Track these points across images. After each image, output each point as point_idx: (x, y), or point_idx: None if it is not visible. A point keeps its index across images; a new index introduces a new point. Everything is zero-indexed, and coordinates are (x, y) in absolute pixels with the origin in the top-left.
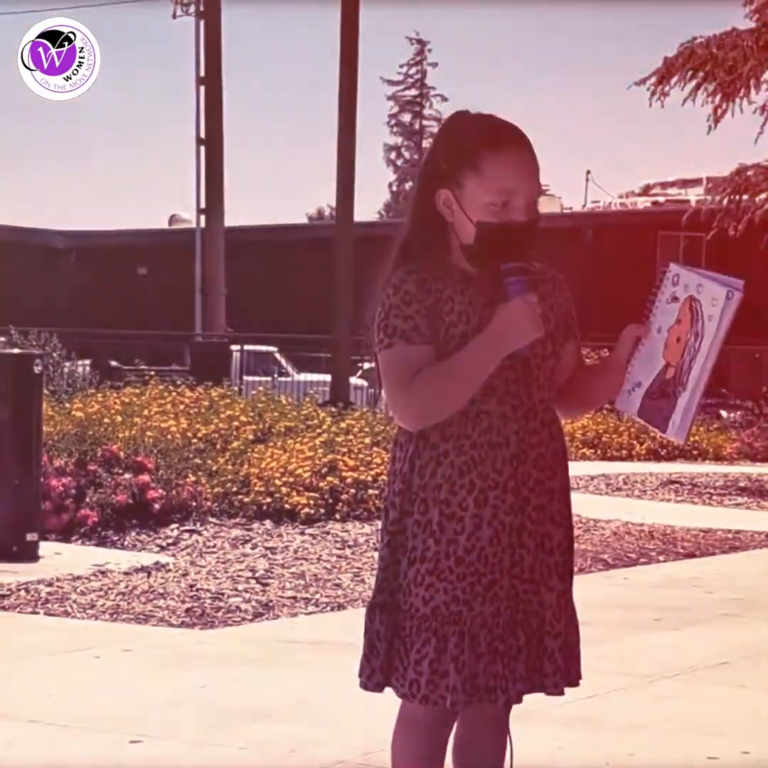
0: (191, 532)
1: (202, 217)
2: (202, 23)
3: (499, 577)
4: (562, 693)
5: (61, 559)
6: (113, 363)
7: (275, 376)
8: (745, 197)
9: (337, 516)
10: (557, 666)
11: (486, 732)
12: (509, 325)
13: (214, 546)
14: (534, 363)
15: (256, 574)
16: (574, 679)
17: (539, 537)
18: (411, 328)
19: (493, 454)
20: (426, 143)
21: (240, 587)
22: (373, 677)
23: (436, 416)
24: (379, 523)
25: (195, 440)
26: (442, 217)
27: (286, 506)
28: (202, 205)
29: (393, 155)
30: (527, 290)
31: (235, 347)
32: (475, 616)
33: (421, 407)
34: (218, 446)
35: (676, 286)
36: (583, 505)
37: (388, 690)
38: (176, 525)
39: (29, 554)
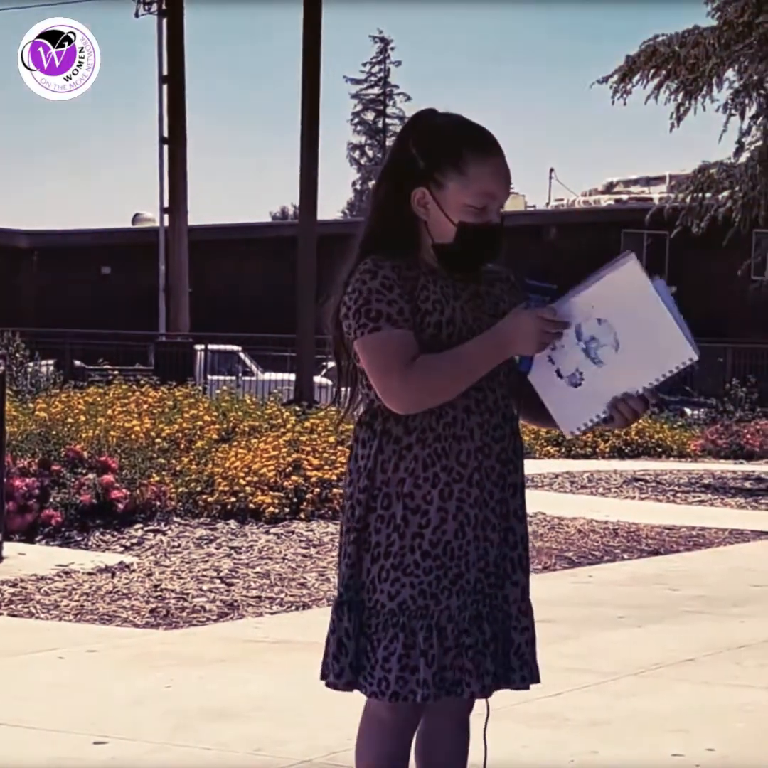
0: (155, 532)
1: (166, 217)
2: (164, 22)
3: (465, 571)
4: (527, 687)
5: (24, 559)
6: (77, 363)
7: (239, 375)
8: (708, 195)
9: (302, 515)
10: (524, 661)
11: (449, 731)
12: (516, 332)
13: (179, 546)
14: None
15: (221, 574)
16: (536, 677)
17: (503, 531)
18: (396, 311)
19: (458, 447)
20: (390, 142)
21: (205, 587)
22: (342, 676)
23: (429, 404)
24: None
25: (159, 440)
26: (412, 215)
27: (251, 506)
28: (166, 204)
29: (356, 154)
30: (544, 306)
31: (199, 347)
32: (442, 610)
33: (417, 394)
34: (182, 446)
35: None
36: (547, 502)
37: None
38: (140, 525)
39: None
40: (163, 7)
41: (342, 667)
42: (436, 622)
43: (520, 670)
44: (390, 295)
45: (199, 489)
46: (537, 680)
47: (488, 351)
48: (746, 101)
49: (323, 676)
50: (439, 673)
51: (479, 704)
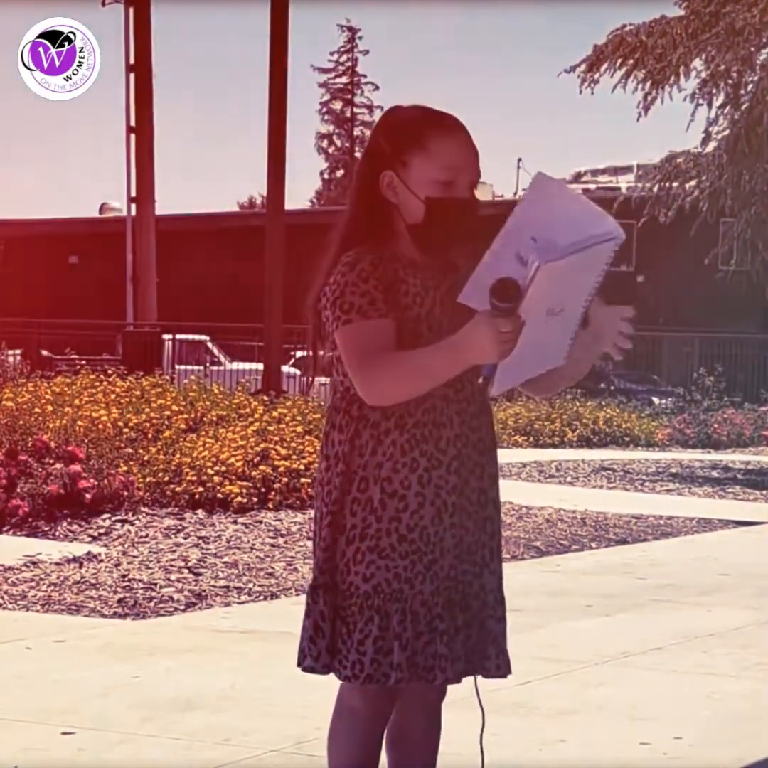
0: (123, 522)
1: (133, 206)
2: (131, 10)
3: (439, 557)
4: (504, 676)
5: None
6: (44, 352)
7: (207, 365)
8: (675, 185)
9: (270, 505)
10: (500, 649)
11: (419, 720)
12: (472, 343)
13: (147, 536)
14: None
15: (189, 564)
16: (509, 667)
17: (481, 520)
18: (367, 302)
19: (438, 433)
20: (357, 131)
21: (172, 577)
22: (320, 659)
23: (394, 399)
24: (312, 512)
25: (126, 430)
26: (386, 201)
27: (219, 495)
28: (133, 193)
29: (324, 143)
30: (502, 317)
31: (166, 336)
32: (416, 595)
33: (378, 388)
34: (150, 436)
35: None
36: (515, 492)
37: (324, 679)
38: (108, 515)
39: None
40: None
41: (319, 649)
42: (410, 606)
43: (496, 659)
44: (364, 286)
45: (166, 479)
46: (510, 671)
47: (446, 362)
48: (713, 91)
49: (300, 663)
50: (411, 657)
51: (466, 703)
